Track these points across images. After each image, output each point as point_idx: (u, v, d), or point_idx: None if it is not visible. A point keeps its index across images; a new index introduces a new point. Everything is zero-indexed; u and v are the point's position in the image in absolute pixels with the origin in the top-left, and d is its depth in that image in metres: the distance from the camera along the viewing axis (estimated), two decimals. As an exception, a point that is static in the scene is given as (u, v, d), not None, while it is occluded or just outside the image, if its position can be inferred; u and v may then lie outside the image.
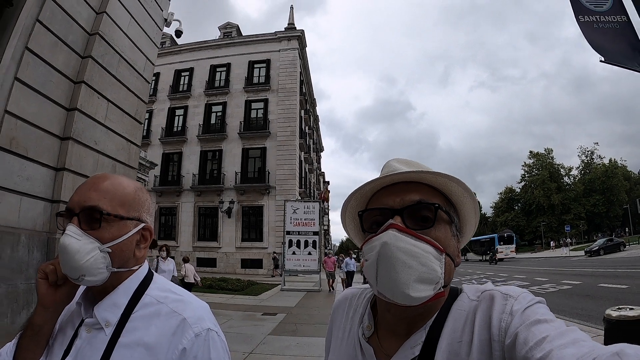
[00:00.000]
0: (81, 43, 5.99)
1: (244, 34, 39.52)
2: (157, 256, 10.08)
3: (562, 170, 78.05)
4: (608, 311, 4.05)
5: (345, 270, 19.37)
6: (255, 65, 34.83)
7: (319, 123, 56.57)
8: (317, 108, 52.18)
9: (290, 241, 19.18)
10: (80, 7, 5.97)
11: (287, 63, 34.25)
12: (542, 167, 77.07)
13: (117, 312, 1.12)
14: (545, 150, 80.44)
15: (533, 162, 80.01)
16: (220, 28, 39.76)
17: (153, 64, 7.89)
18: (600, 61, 5.55)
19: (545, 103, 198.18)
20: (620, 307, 4.04)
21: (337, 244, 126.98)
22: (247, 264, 30.25)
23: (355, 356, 0.97)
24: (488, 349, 0.79)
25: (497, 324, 0.79)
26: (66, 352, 1.11)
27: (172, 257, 10.61)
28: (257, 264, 30.55)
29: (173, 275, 9.95)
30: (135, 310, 1.13)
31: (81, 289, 1.19)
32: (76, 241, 1.05)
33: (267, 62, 34.56)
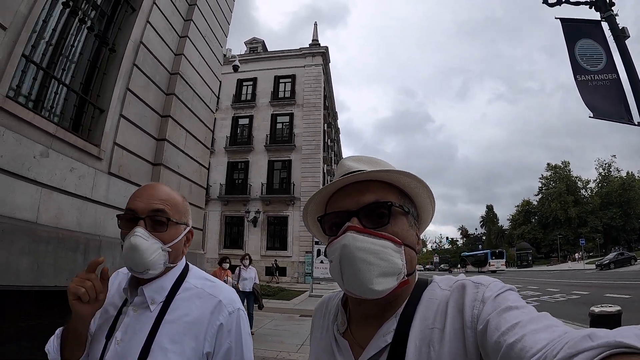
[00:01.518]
0: (165, 82, 7.11)
1: (268, 46, 40.81)
2: (239, 265, 10.72)
3: (579, 183, 77.89)
4: (592, 308, 5.12)
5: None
6: (281, 80, 35.99)
7: (340, 135, 57.67)
8: (338, 120, 53.32)
9: (319, 251, 20.18)
10: (164, 51, 7.10)
11: (311, 79, 35.35)
12: (559, 180, 77.12)
13: (163, 293, 1.37)
14: (562, 162, 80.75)
15: (550, 175, 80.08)
16: (246, 43, 41.04)
17: (217, 96, 9.02)
18: (590, 117, 6.47)
19: (562, 115, 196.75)
20: (602, 305, 5.08)
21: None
22: (271, 271, 31.18)
23: (332, 351, 1.03)
24: (461, 335, 0.81)
25: (470, 311, 0.82)
26: (111, 329, 1.35)
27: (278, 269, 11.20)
28: (281, 271, 31.42)
29: (255, 283, 10.56)
30: (178, 292, 1.38)
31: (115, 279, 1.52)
32: (145, 241, 1.29)
33: (293, 77, 35.72)
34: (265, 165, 33.81)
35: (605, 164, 76.25)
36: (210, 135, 8.80)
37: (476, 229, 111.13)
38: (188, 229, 1.47)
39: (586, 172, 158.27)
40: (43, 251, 4.39)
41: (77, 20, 5.34)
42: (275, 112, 35.03)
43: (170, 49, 7.32)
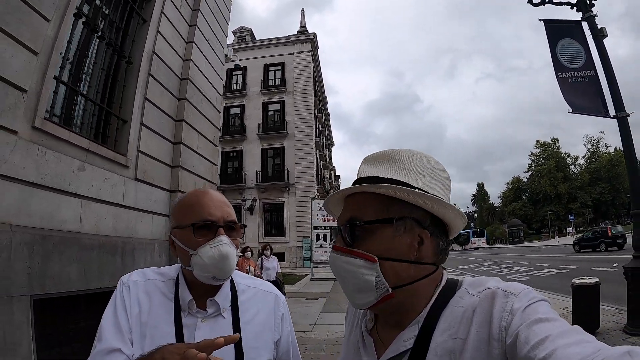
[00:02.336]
0: (176, 88, 7.46)
1: (255, 33, 40.97)
2: (261, 255, 11.21)
3: (568, 159, 78.91)
4: (573, 280, 5.77)
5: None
6: (271, 68, 36.18)
7: (330, 119, 57.95)
8: (327, 104, 53.59)
9: (318, 235, 20.77)
10: (174, 58, 7.43)
11: (301, 65, 35.59)
12: (548, 157, 77.94)
13: (229, 299, 1.42)
14: (551, 140, 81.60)
15: (540, 152, 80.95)
16: (234, 32, 41.01)
17: (221, 95, 9.39)
18: (569, 112, 6.97)
19: (552, 92, 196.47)
20: (582, 277, 5.70)
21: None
22: (270, 258, 31.63)
23: (359, 346, 1.05)
24: (485, 347, 0.79)
25: (498, 323, 0.79)
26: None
27: (275, 255, 11.78)
28: (279, 257, 31.96)
29: (277, 272, 11.05)
30: (239, 295, 1.45)
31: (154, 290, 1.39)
32: (231, 249, 1.34)
33: (282, 64, 35.92)
34: (258, 153, 34.18)
35: (594, 140, 77.35)
36: (218, 134, 9.19)
37: (467, 207, 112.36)
38: None
39: (575, 148, 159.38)
40: (88, 258, 4.81)
41: (95, 37, 5.66)
42: (266, 100, 35.28)
43: (179, 55, 7.65)
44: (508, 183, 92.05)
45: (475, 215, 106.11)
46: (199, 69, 8.20)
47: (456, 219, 0.99)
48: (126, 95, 6.14)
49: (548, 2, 7.71)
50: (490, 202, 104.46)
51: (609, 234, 28.11)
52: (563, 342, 0.66)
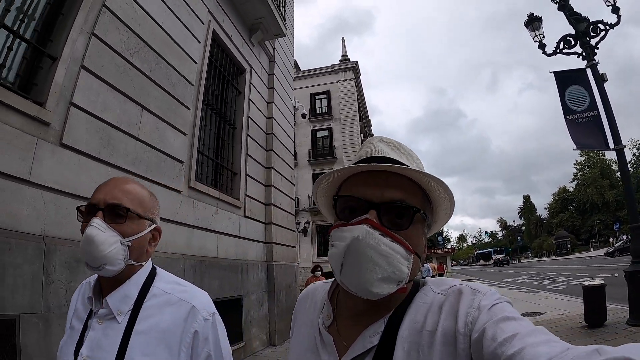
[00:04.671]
0: (264, 141, 9.54)
1: (299, 60, 43.22)
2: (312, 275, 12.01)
3: (613, 165, 74.43)
4: (583, 283, 7.29)
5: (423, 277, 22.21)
6: (317, 97, 38.14)
7: (374, 140, 59.62)
8: (372, 127, 55.39)
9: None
10: (261, 118, 9.52)
11: (345, 93, 37.41)
12: (593, 165, 75.97)
13: (129, 302, 1.28)
14: None
15: (584, 160, 78.50)
16: (280, 64, 43.46)
17: (293, 141, 11.45)
18: (574, 149, 8.39)
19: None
20: (590, 279, 7.24)
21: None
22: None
23: (316, 345, 0.96)
24: (452, 340, 0.78)
25: (464, 318, 0.78)
26: (79, 345, 1.24)
27: (324, 275, 11.92)
28: (331, 276, 33.54)
29: None
30: (145, 300, 1.30)
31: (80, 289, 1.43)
32: (101, 233, 1.22)
33: (327, 93, 37.84)
34: (310, 178, 35.99)
35: (639, 143, 74.12)
36: (293, 173, 11.22)
37: (514, 220, 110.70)
38: (154, 226, 1.40)
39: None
40: (222, 275, 6.79)
41: (210, 110, 7.72)
42: (314, 128, 37.27)
43: (264, 115, 9.75)
44: (554, 194, 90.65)
45: (523, 228, 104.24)
46: (278, 123, 10.31)
47: (433, 232, 1.03)
48: (234, 152, 8.24)
49: (559, 53, 9.28)
50: (537, 214, 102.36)
51: None
52: (531, 340, 0.66)
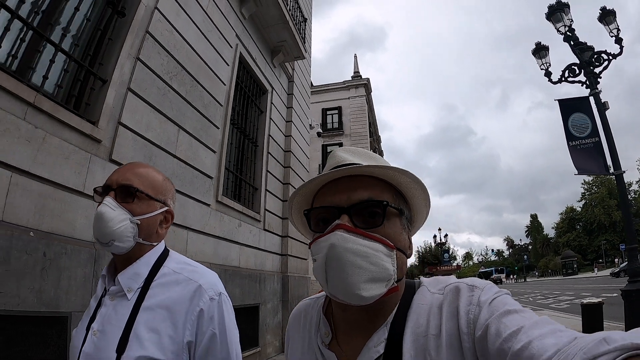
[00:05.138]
0: (282, 158, 10.07)
1: (312, 74, 43.65)
2: None
3: None
4: (582, 300, 7.68)
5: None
6: (328, 112, 38.63)
7: (383, 156, 60.00)
8: (381, 143, 55.88)
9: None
10: (280, 137, 10.05)
11: (356, 110, 37.94)
12: (601, 184, 76.03)
13: (139, 280, 1.34)
14: None
15: (592, 180, 78.37)
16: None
17: (308, 158, 11.96)
18: (575, 174, 8.77)
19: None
20: (589, 298, 7.61)
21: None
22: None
23: None
24: (457, 341, 0.77)
25: (465, 316, 0.78)
26: (91, 320, 1.32)
27: None
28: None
29: None
30: (155, 278, 1.35)
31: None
32: (111, 210, 1.31)
33: (339, 109, 38.35)
34: (320, 192, 36.52)
35: None
36: (309, 190, 11.76)
37: (520, 239, 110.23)
38: (166, 208, 1.46)
39: (631, 172, 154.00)
40: (243, 284, 7.25)
41: (235, 129, 8.23)
42: (325, 143, 37.70)
43: (283, 133, 10.30)
44: (561, 213, 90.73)
45: (530, 247, 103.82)
46: (296, 141, 10.86)
47: (419, 226, 1.03)
48: (256, 169, 8.77)
49: (564, 81, 9.73)
50: (544, 233, 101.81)
51: None
52: (537, 332, 0.64)
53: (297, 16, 10.49)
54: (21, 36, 3.72)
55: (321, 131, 14.60)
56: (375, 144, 44.36)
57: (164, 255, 1.44)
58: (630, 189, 76.14)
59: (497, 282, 69.31)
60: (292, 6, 10.12)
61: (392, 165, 0.90)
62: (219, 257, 6.60)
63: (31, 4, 3.87)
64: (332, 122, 38.28)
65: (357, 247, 0.79)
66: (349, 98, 38.54)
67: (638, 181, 75.37)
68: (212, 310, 1.32)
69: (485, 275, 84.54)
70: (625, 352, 0.49)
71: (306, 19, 11.82)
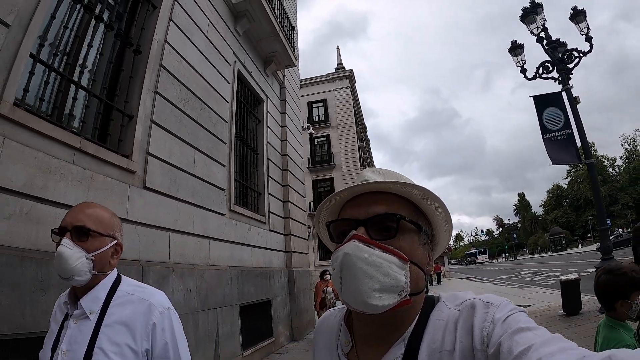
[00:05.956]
0: (280, 161, 10.84)
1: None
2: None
3: (606, 161, 77.12)
4: (560, 277, 8.53)
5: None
6: (314, 105, 38.96)
7: (370, 144, 60.89)
8: (367, 131, 56.55)
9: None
10: (277, 141, 10.81)
11: (341, 101, 38.48)
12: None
13: (99, 302, 1.56)
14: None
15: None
16: (277, 74, 44.49)
17: (302, 157, 12.75)
18: (549, 164, 9.55)
19: (586, 94, 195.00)
20: (566, 274, 8.48)
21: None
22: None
23: None
24: (470, 357, 0.79)
25: (479, 333, 0.79)
26: (56, 342, 1.53)
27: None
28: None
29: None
30: (112, 300, 1.58)
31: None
32: (69, 250, 1.51)
33: (324, 101, 38.85)
34: (310, 185, 36.87)
35: (630, 139, 75.42)
36: (304, 187, 12.49)
37: (509, 218, 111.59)
38: (115, 242, 1.67)
39: (616, 147, 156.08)
40: (257, 282, 8.02)
41: (239, 141, 8.93)
42: (308, 132, 38.19)
43: (279, 138, 11.06)
44: (548, 191, 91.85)
45: (519, 225, 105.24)
46: (291, 145, 11.66)
47: (444, 245, 1.07)
48: (259, 174, 9.52)
49: (539, 77, 10.51)
50: (532, 211, 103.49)
51: None
52: (547, 350, 0.66)
53: (285, 25, 11.11)
54: (58, 86, 4.30)
55: (313, 132, 15.20)
56: (361, 134, 45.04)
57: (117, 280, 1.66)
58: (615, 164, 77.74)
59: (472, 262, 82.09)
60: (280, 13, 10.74)
61: (415, 184, 0.94)
62: (235, 260, 7.35)
63: (61, 54, 4.45)
64: (319, 115, 38.65)
65: (370, 256, 0.82)
66: (333, 90, 38.94)
67: (622, 156, 76.72)
68: (163, 323, 1.58)
69: (470, 257, 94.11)
70: None
71: (294, 27, 12.46)
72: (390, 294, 0.82)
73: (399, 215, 0.89)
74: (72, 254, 1.50)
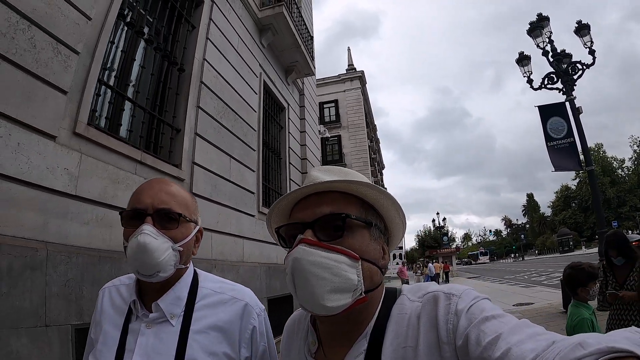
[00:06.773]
0: (299, 165, 11.55)
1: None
2: None
3: (614, 163, 77.78)
4: (561, 277, 9.13)
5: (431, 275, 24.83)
6: (325, 106, 39.13)
7: (380, 144, 61.29)
8: (377, 130, 56.96)
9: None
10: (297, 146, 11.56)
11: (352, 102, 39.01)
12: (594, 162, 74.95)
13: (181, 304, 1.28)
14: (595, 145, 79.88)
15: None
16: (289, 74, 45.08)
17: (319, 160, 13.48)
18: (552, 171, 10.11)
19: (595, 94, 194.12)
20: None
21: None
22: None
23: None
24: (436, 351, 0.78)
25: (444, 326, 0.78)
26: (120, 351, 1.21)
27: None
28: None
29: None
30: (197, 301, 1.30)
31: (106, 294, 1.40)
32: (154, 240, 1.19)
33: (335, 102, 39.31)
34: (321, 184, 37.61)
35: (639, 140, 75.26)
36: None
37: (517, 219, 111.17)
38: (198, 227, 1.40)
39: (625, 147, 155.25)
40: (282, 277, 8.45)
41: (269, 152, 9.64)
42: (324, 136, 38.78)
43: (298, 143, 11.78)
44: (557, 192, 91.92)
45: (527, 226, 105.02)
46: (309, 149, 12.38)
47: (399, 236, 1.04)
48: (281, 178, 10.22)
49: (544, 88, 11.06)
50: (541, 212, 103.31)
51: None
52: (516, 338, 0.66)
53: (304, 35, 11.78)
54: (118, 105, 4.95)
55: (329, 136, 15.79)
56: (372, 133, 45.52)
57: (196, 275, 1.40)
58: (624, 165, 77.77)
59: (468, 263, 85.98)
60: (298, 22, 11.37)
61: (360, 180, 0.93)
62: (264, 257, 8.08)
63: (118, 75, 5.16)
64: (330, 115, 38.91)
65: (319, 259, 0.82)
66: (344, 91, 39.45)
67: (631, 158, 76.77)
68: (262, 327, 1.37)
69: (473, 258, 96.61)
70: (601, 356, 0.51)
71: (312, 36, 13.15)
72: (345, 294, 0.82)
73: (344, 214, 0.88)
74: (159, 244, 1.21)
